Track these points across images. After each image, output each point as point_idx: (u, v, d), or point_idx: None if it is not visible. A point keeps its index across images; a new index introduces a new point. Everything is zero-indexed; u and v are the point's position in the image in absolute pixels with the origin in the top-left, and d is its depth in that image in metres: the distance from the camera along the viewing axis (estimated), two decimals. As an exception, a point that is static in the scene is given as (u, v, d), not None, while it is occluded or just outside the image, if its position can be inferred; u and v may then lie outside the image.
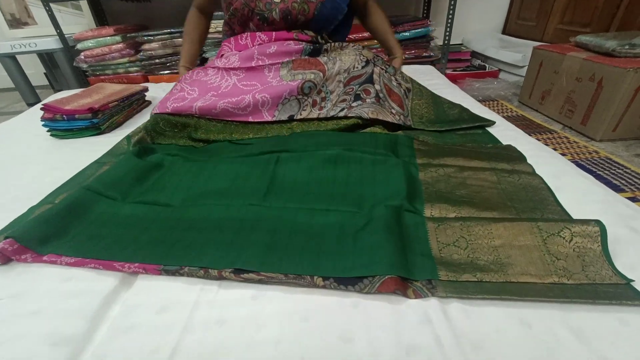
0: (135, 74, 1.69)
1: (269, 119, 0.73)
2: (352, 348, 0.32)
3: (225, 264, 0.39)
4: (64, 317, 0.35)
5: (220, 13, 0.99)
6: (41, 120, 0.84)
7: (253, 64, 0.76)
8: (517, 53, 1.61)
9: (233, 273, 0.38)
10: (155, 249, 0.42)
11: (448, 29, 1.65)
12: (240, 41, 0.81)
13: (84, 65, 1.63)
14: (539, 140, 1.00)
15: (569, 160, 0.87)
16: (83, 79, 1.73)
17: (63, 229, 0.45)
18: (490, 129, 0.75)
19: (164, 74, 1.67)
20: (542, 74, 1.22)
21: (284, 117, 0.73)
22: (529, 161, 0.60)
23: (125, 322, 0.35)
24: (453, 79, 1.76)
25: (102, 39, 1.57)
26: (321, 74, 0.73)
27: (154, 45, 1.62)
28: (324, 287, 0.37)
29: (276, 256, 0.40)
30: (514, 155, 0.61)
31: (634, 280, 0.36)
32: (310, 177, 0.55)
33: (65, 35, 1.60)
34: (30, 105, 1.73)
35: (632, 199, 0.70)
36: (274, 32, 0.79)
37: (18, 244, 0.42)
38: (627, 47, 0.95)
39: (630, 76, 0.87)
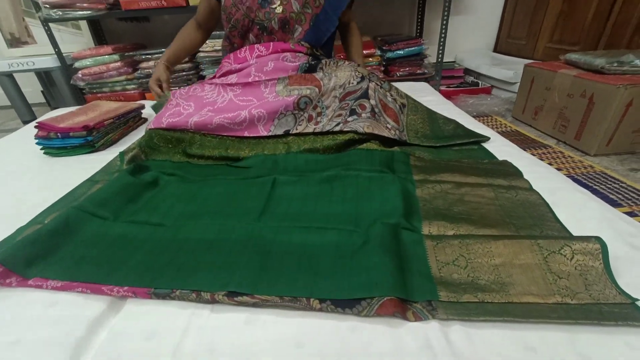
0: (132, 91, 1.70)
1: (265, 133, 0.73)
2: (349, 377, 0.31)
3: (218, 286, 0.38)
4: (44, 347, 0.34)
5: (217, 32, 1.01)
6: (35, 138, 0.83)
7: (250, 80, 0.77)
8: (508, 70, 1.65)
9: (226, 296, 0.37)
10: (145, 271, 0.41)
11: (441, 47, 1.70)
12: (239, 54, 0.83)
13: (82, 83, 1.65)
14: (534, 155, 1.01)
15: (564, 175, 0.87)
16: (80, 96, 1.73)
17: (51, 251, 0.43)
18: (485, 145, 0.75)
19: (161, 91, 1.69)
20: (534, 91, 1.25)
21: (280, 131, 0.73)
22: (525, 177, 0.60)
23: (110, 350, 0.33)
24: (447, 96, 1.79)
25: (100, 58, 1.59)
26: (317, 90, 0.73)
27: (151, 63, 1.65)
28: (320, 310, 0.36)
29: (271, 278, 0.38)
30: (510, 171, 0.61)
31: (639, 300, 0.35)
32: (307, 195, 0.54)
33: (64, 54, 1.62)
34: (26, 122, 1.72)
35: (630, 214, 0.70)
36: (271, 43, 0.81)
37: (3, 267, 0.40)
38: (615, 64, 0.98)
39: (620, 93, 0.89)
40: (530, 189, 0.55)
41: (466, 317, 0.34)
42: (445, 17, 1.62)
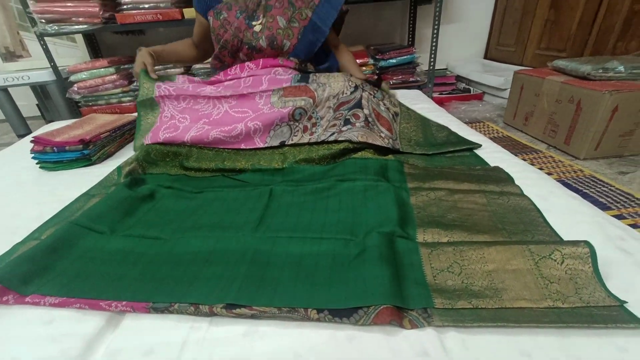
0: (128, 104, 1.70)
1: (261, 145, 0.74)
2: (347, 387, 0.31)
3: (216, 299, 0.38)
4: (41, 365, 0.34)
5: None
6: (31, 153, 0.83)
7: (245, 92, 0.78)
8: (499, 77, 1.68)
9: (225, 309, 0.37)
10: (143, 285, 0.41)
11: (432, 55, 1.73)
12: (229, 72, 0.84)
13: (77, 96, 1.65)
14: (525, 160, 1.03)
15: (555, 179, 0.89)
16: (76, 109, 1.74)
17: (48, 267, 0.44)
18: (477, 151, 0.76)
19: (157, 102, 1.69)
20: (524, 97, 1.27)
21: (276, 142, 0.74)
22: (517, 182, 0.61)
23: (108, 367, 0.34)
24: (440, 102, 1.82)
25: (95, 71, 1.60)
26: (311, 101, 0.75)
27: (147, 75, 1.66)
28: (318, 320, 0.36)
29: (269, 289, 0.39)
30: (502, 177, 0.62)
31: (627, 302, 0.36)
32: (303, 206, 0.55)
33: (59, 68, 1.62)
34: (21, 136, 1.72)
35: (619, 217, 0.72)
36: (261, 60, 0.82)
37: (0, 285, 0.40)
38: (600, 71, 1.01)
39: (606, 98, 0.92)
40: (521, 194, 0.57)
41: (461, 323, 0.35)
42: (436, 26, 1.66)
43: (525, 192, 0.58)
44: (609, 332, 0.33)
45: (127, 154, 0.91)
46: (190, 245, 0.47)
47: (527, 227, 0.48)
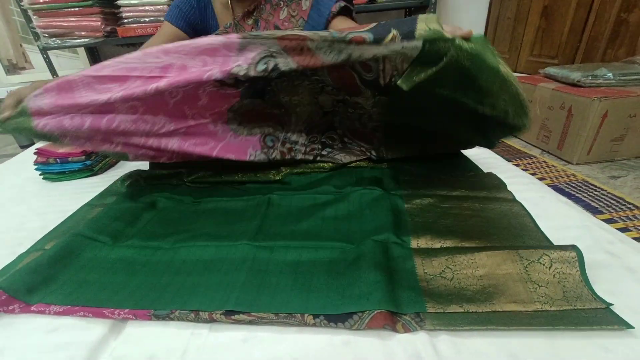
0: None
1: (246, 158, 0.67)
2: (343, 390, 0.32)
3: (215, 305, 0.39)
4: (47, 373, 0.35)
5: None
6: (34, 164, 0.85)
7: (191, 122, 0.60)
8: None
9: (224, 315, 0.38)
10: (145, 293, 0.42)
11: (427, 64, 1.77)
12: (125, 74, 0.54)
13: (79, 107, 1.68)
14: (519, 165, 1.05)
15: (548, 184, 0.91)
16: (77, 119, 1.76)
17: (52, 277, 0.45)
18: (472, 157, 0.78)
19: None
20: (517, 103, 1.30)
21: (261, 159, 0.68)
22: (509, 188, 0.63)
23: (112, 374, 0.35)
24: (436, 109, 1.85)
25: (97, 82, 1.63)
26: (280, 127, 0.68)
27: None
28: (314, 325, 0.38)
29: (266, 296, 0.40)
30: (494, 183, 0.64)
31: (613, 305, 0.38)
32: (300, 215, 0.56)
33: (62, 79, 1.65)
34: (24, 147, 1.74)
35: (610, 221, 0.73)
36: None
37: (6, 294, 0.41)
38: (590, 78, 1.04)
39: (595, 105, 0.94)
40: (513, 200, 0.58)
41: (452, 327, 0.36)
42: (430, 35, 1.69)
43: (517, 197, 0.59)
44: (595, 333, 0.35)
45: (128, 164, 0.93)
46: (191, 254, 0.48)
47: (519, 232, 0.50)
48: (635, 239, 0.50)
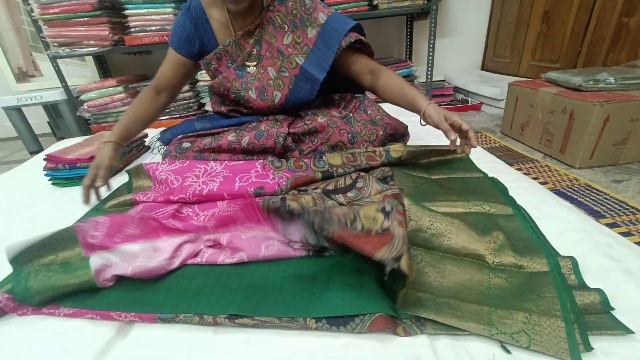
0: (136, 120, 1.76)
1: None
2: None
3: (219, 309, 0.40)
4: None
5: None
6: (43, 170, 0.87)
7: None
8: (495, 88, 1.72)
9: (228, 319, 0.39)
10: (151, 297, 0.43)
11: (429, 68, 1.78)
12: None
13: (87, 114, 1.71)
14: (521, 169, 1.05)
15: (550, 188, 0.91)
16: (85, 127, 1.80)
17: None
18: (475, 162, 0.78)
19: (162, 119, 1.75)
20: (519, 108, 1.30)
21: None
22: (510, 192, 0.63)
23: (119, 375, 0.36)
24: (438, 113, 1.85)
25: (105, 90, 1.66)
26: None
27: (154, 93, 1.72)
28: (316, 329, 0.38)
29: (269, 300, 0.41)
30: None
31: (614, 309, 0.38)
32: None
33: (70, 87, 1.69)
34: (33, 153, 1.78)
35: (613, 225, 0.73)
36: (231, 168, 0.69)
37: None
38: (591, 82, 1.04)
39: (597, 109, 0.95)
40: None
41: (453, 331, 0.37)
42: (431, 40, 1.71)
43: (518, 201, 0.60)
44: (595, 338, 0.35)
45: (134, 170, 0.95)
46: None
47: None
48: (637, 243, 0.50)
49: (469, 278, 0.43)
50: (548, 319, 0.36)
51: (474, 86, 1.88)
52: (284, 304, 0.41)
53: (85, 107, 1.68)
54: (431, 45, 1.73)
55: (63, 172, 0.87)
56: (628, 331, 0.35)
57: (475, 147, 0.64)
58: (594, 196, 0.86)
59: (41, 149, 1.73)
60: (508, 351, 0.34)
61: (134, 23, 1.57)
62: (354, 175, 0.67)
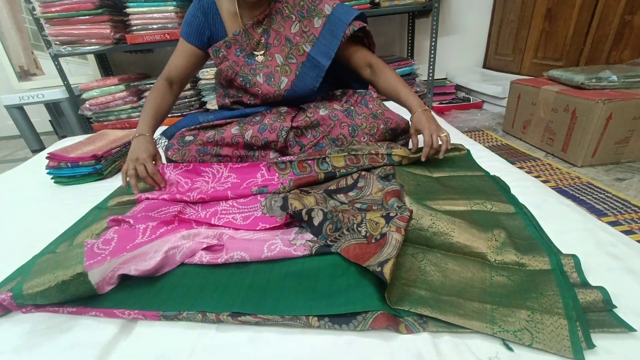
0: (137, 119, 1.76)
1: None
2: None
3: (222, 307, 0.40)
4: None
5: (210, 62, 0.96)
6: (46, 169, 0.87)
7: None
8: (497, 86, 1.71)
9: (230, 316, 0.39)
10: (154, 295, 0.44)
11: (431, 66, 1.77)
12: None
13: (89, 113, 1.71)
14: (523, 167, 1.04)
15: (553, 186, 0.91)
16: (87, 125, 1.80)
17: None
18: (477, 160, 0.78)
19: (164, 117, 1.75)
20: (521, 106, 1.30)
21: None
22: (512, 191, 0.63)
23: (123, 372, 0.36)
24: (439, 111, 1.85)
25: (106, 88, 1.67)
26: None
27: (155, 91, 1.72)
28: (319, 327, 0.38)
29: (272, 298, 0.41)
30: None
31: (616, 307, 0.38)
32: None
33: (72, 85, 1.69)
34: (35, 152, 1.78)
35: (615, 223, 0.73)
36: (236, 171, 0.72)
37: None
38: (594, 80, 1.03)
39: (599, 107, 0.94)
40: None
41: (455, 329, 0.37)
42: (433, 38, 1.70)
43: (520, 200, 0.60)
44: (598, 335, 0.35)
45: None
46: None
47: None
48: (639, 241, 0.50)
49: (471, 276, 0.43)
50: (550, 316, 0.36)
51: (475, 84, 1.87)
52: (286, 302, 0.41)
53: (87, 106, 1.68)
54: (433, 43, 1.72)
55: (65, 171, 0.87)
56: (630, 329, 0.35)
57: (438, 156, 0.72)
58: (596, 194, 0.86)
59: (43, 148, 1.73)
60: (510, 349, 0.35)
61: (136, 21, 1.56)
62: (355, 175, 0.68)
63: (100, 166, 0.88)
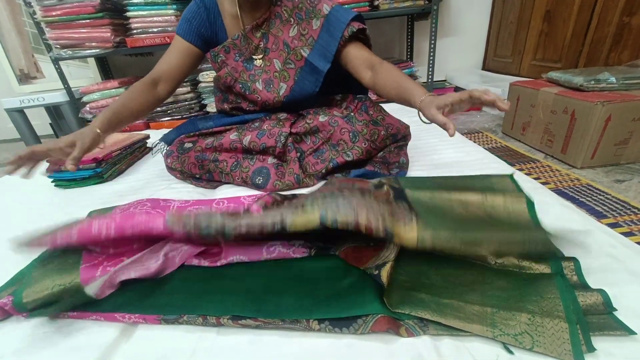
0: (139, 122, 1.76)
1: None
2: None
3: (223, 310, 0.40)
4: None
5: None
6: (46, 171, 0.87)
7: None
8: (496, 88, 1.72)
9: (231, 320, 0.40)
10: (155, 299, 0.44)
11: (430, 68, 1.78)
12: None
13: (89, 116, 1.72)
14: (522, 169, 1.04)
15: (552, 188, 0.91)
16: (87, 128, 1.80)
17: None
18: (474, 160, 0.78)
19: (164, 120, 1.76)
20: (520, 108, 1.30)
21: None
22: (511, 193, 0.63)
23: (124, 375, 0.36)
24: (439, 113, 1.85)
25: (107, 92, 1.67)
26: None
27: (155, 94, 1.72)
28: (319, 330, 0.38)
29: (272, 301, 0.41)
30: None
31: (616, 310, 0.38)
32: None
33: (72, 89, 1.70)
34: (34, 154, 1.77)
35: (614, 225, 0.73)
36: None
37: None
38: (592, 82, 1.04)
39: (598, 109, 0.94)
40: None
41: (455, 332, 0.37)
42: (432, 40, 1.71)
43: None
44: (598, 338, 0.35)
45: (137, 171, 0.95)
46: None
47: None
48: (639, 243, 0.50)
49: (472, 279, 0.43)
50: (551, 320, 0.36)
51: (475, 86, 1.88)
52: (287, 305, 0.41)
53: (88, 109, 1.69)
54: (432, 46, 1.73)
55: (65, 174, 0.87)
56: (630, 332, 0.35)
57: (505, 108, 0.55)
58: (596, 196, 0.86)
59: (43, 151, 1.73)
60: (511, 352, 0.35)
61: (136, 25, 1.57)
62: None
63: (101, 169, 0.88)
